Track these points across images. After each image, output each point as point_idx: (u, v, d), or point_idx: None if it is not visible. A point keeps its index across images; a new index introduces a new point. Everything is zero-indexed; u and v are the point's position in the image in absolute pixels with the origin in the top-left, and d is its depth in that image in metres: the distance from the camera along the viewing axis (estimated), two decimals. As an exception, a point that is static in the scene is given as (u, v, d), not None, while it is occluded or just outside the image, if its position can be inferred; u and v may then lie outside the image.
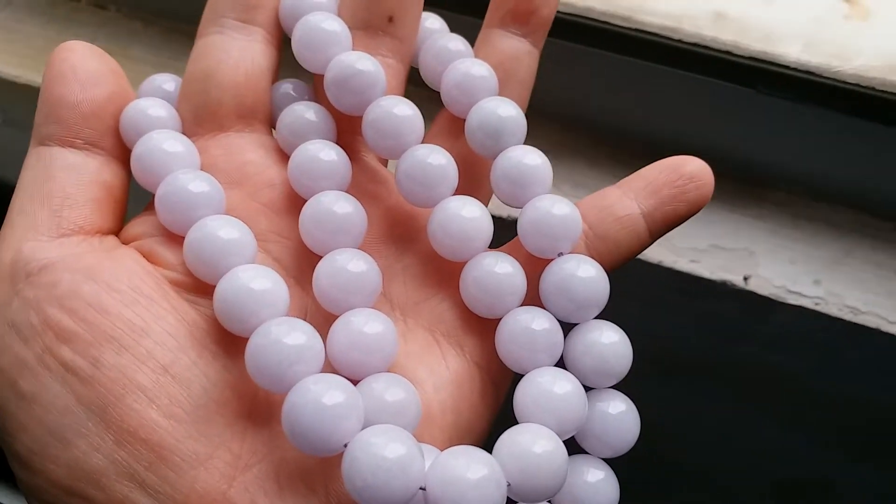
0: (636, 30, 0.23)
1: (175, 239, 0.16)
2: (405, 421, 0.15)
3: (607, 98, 0.26)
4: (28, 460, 0.15)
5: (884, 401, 0.27)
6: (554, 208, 0.17)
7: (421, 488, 0.14)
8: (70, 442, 0.14)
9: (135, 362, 0.15)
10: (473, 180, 0.19)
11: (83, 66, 0.17)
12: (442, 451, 0.14)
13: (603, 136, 0.26)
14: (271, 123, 0.19)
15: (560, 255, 0.17)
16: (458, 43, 0.19)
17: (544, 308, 0.17)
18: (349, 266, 0.16)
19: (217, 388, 0.15)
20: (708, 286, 0.25)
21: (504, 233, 0.19)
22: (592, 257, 0.17)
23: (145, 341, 0.15)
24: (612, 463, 0.17)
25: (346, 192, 0.17)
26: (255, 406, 0.16)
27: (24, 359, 0.15)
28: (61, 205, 0.16)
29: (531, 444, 0.14)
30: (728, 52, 0.23)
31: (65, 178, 0.16)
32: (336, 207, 0.17)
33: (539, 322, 0.17)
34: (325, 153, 0.17)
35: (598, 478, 0.17)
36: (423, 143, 0.18)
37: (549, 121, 0.26)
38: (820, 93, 0.22)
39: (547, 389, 0.16)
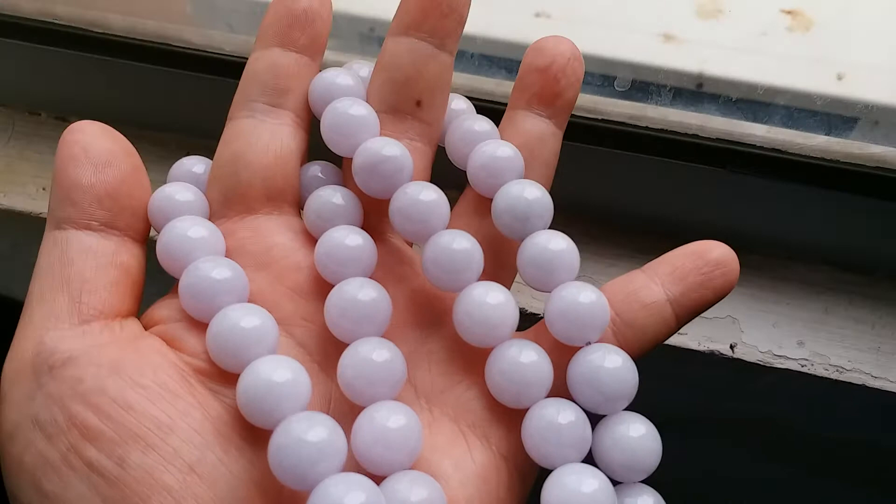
0: (601, 120, 0.23)
1: (199, 325, 0.16)
2: None
3: (580, 179, 0.26)
4: None
5: (864, 443, 0.28)
6: (581, 296, 0.17)
7: None
8: None
9: (161, 462, 0.14)
10: (500, 260, 0.19)
11: (95, 147, 0.17)
12: None
13: (580, 213, 0.27)
14: (300, 205, 0.19)
15: (588, 343, 0.17)
16: (483, 123, 0.19)
17: (571, 398, 0.17)
18: (373, 356, 0.16)
19: (243, 485, 0.15)
20: (697, 357, 0.25)
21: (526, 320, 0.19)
22: (619, 344, 0.17)
23: (172, 439, 0.15)
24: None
25: (372, 275, 0.18)
26: (281, 502, 0.16)
27: (48, 457, 0.14)
28: (80, 289, 0.16)
29: None
30: (695, 136, 0.23)
31: (82, 263, 0.16)
32: (361, 295, 0.17)
33: (566, 415, 0.16)
34: (350, 239, 0.17)
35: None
36: (450, 220, 0.18)
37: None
38: (786, 168, 0.23)
39: (574, 489, 0.16)
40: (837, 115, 0.27)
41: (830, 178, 0.23)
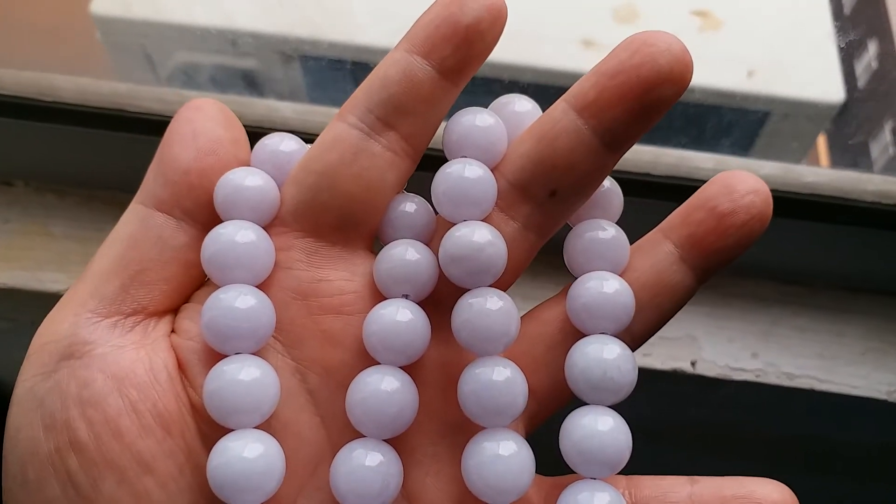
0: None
1: (210, 357, 0.16)
2: None
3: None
4: None
5: (815, 438, 0.30)
6: (599, 424, 0.15)
7: None
8: None
9: (130, 499, 0.15)
10: None
11: (204, 132, 0.16)
12: None
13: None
14: (376, 237, 0.17)
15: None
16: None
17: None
18: (366, 462, 0.15)
19: None
20: (660, 375, 0.27)
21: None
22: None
23: (147, 480, 0.15)
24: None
25: (421, 356, 0.16)
26: None
27: (38, 449, 0.15)
28: (132, 280, 0.16)
29: None
30: (647, 174, 0.24)
31: (147, 251, 0.16)
32: (384, 385, 0.15)
33: None
34: (402, 314, 0.16)
35: None
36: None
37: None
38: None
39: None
40: (749, 111, 0.29)
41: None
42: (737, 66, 0.30)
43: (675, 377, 0.27)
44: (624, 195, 0.17)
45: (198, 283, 0.17)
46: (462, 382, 0.16)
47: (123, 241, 0.16)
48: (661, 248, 0.16)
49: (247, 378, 0.15)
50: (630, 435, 0.16)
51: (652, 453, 0.32)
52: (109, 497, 0.15)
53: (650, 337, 0.17)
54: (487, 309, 0.15)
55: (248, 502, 0.15)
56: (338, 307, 0.16)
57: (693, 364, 0.27)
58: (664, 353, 0.27)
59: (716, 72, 0.29)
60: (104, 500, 0.15)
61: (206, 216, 0.16)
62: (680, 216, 0.16)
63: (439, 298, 0.16)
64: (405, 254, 0.16)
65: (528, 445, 0.16)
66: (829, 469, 0.32)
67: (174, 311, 0.17)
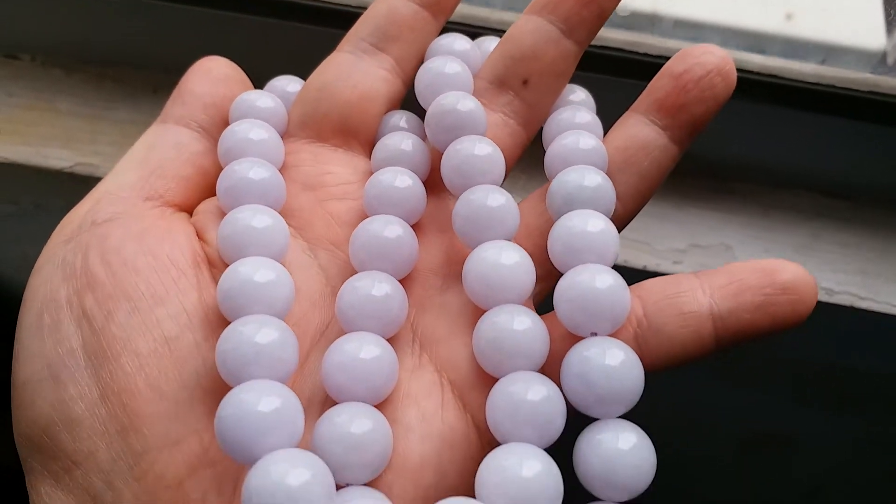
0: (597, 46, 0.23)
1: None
2: (370, 456, 0.14)
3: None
4: (21, 390, 0.15)
5: (855, 366, 0.28)
6: (598, 280, 0.15)
7: None
8: (62, 383, 0.15)
9: (142, 327, 0.15)
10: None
11: (218, 70, 0.19)
12: None
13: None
14: (368, 151, 0.19)
15: (593, 335, 0.15)
16: (585, 115, 0.18)
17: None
18: (373, 291, 0.15)
19: (209, 377, 0.15)
20: (692, 285, 0.25)
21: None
22: (638, 350, 0.15)
23: (159, 310, 0.15)
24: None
25: (417, 221, 0.17)
26: None
27: (57, 295, 0.15)
28: (151, 173, 0.17)
29: None
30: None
31: (165, 152, 0.17)
32: (386, 232, 0.16)
33: (536, 391, 0.14)
34: (400, 181, 0.17)
35: None
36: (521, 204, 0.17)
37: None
38: (779, 93, 0.23)
39: (514, 472, 0.13)
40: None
41: (823, 102, 0.23)
42: (775, 8, 0.28)
43: (706, 287, 0.25)
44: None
45: (210, 190, 0.18)
46: (467, 272, 0.16)
47: (143, 147, 0.18)
48: (630, 119, 0.17)
49: (259, 225, 0.16)
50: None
51: (669, 378, 0.31)
52: (121, 326, 0.15)
53: (641, 205, 0.17)
54: (473, 154, 0.16)
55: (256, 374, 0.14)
56: (341, 194, 0.18)
57: (726, 274, 0.25)
58: (696, 260, 0.25)
59: (753, 14, 0.27)
60: (115, 331, 0.15)
61: (219, 133, 0.18)
62: (645, 91, 0.17)
63: (436, 181, 0.18)
64: (401, 143, 0.18)
65: (541, 320, 0.15)
66: (862, 407, 0.31)
67: (189, 211, 0.18)
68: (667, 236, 0.26)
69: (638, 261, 0.25)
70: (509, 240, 0.16)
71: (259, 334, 0.14)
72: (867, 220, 0.26)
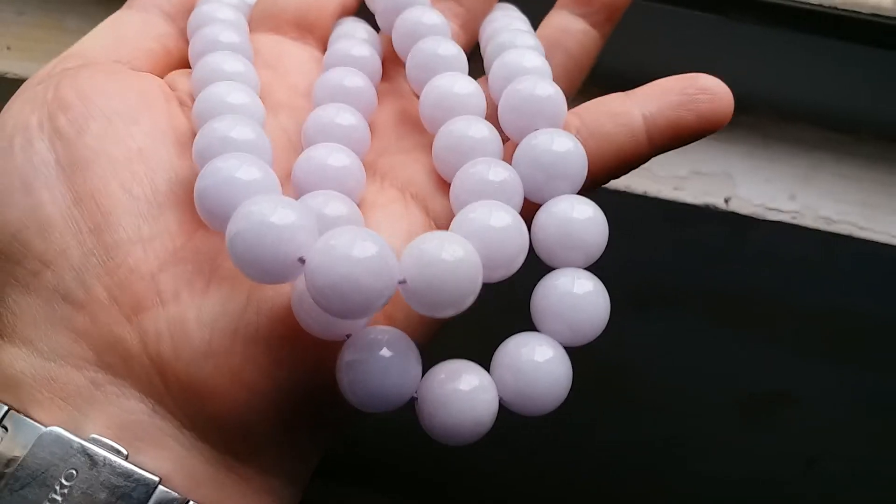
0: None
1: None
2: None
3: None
4: None
5: (855, 307, 0.28)
6: (537, 89, 0.16)
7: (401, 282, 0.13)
8: (34, 190, 0.15)
9: (115, 138, 0.15)
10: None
11: None
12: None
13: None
14: (324, 49, 0.20)
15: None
16: (521, 25, 0.19)
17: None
18: (337, 119, 0.16)
19: (182, 188, 0.15)
20: (692, 211, 0.25)
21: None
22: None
23: (133, 127, 0.16)
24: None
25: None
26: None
27: (28, 122, 0.16)
28: (119, 45, 0.18)
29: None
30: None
31: (131, 29, 0.18)
32: (346, 82, 0.17)
33: (497, 172, 0.15)
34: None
35: (546, 356, 0.14)
36: None
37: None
38: (784, 15, 0.23)
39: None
40: None
41: (828, 24, 0.23)
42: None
43: (706, 213, 0.25)
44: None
45: (172, 67, 0.18)
46: (423, 101, 0.17)
47: (109, 23, 0.18)
48: (556, 14, 0.19)
49: (236, 102, 0.16)
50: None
51: (665, 316, 0.31)
52: (95, 136, 0.15)
53: (573, 82, 0.19)
54: (437, 53, 0.17)
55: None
56: (298, 69, 0.19)
57: (727, 201, 0.25)
58: (697, 187, 0.25)
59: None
60: (89, 141, 0.15)
61: (183, 20, 0.19)
62: None
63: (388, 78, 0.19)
64: (355, 31, 0.19)
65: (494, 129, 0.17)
66: (859, 355, 0.31)
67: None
68: (668, 163, 0.26)
69: (639, 186, 0.25)
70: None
71: (234, 130, 0.15)
72: (869, 153, 0.26)
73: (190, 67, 0.18)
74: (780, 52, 0.25)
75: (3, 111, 0.16)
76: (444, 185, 0.17)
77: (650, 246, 0.27)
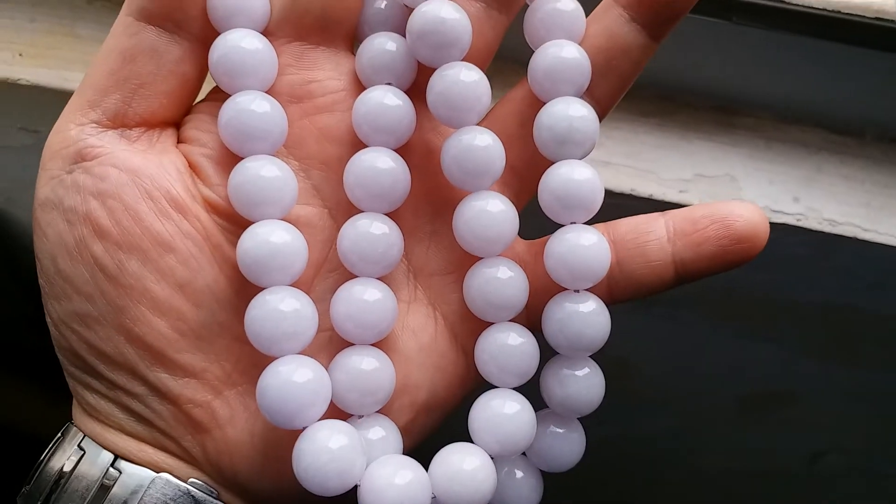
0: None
1: (223, 160, 0.17)
2: (378, 396, 0.17)
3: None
4: (58, 325, 0.17)
5: (859, 307, 0.29)
6: (582, 239, 0.17)
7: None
8: (90, 326, 0.16)
9: (155, 275, 0.16)
10: (522, 173, 0.18)
11: None
12: (401, 425, 0.17)
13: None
14: (355, 39, 0.18)
15: (577, 292, 0.17)
16: (569, 3, 0.17)
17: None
18: (371, 229, 0.17)
19: (224, 311, 0.16)
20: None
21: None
22: (609, 288, 0.18)
23: (168, 258, 0.16)
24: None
25: (408, 140, 0.17)
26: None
27: (65, 240, 0.16)
28: (133, 94, 0.16)
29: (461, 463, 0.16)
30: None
31: (145, 64, 0.16)
32: (379, 163, 0.17)
33: (515, 337, 0.17)
34: (389, 99, 0.17)
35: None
36: (492, 105, 0.18)
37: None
38: (787, 19, 0.24)
39: (496, 412, 0.17)
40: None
41: (831, 28, 0.23)
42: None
43: (711, 216, 0.26)
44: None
45: (194, 96, 0.18)
46: (444, 151, 0.17)
47: (119, 55, 0.16)
48: (611, 13, 0.17)
49: (269, 175, 0.16)
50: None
51: (670, 316, 0.31)
52: (134, 275, 0.16)
53: (615, 101, 0.18)
54: (461, 80, 0.16)
55: (275, 281, 0.16)
56: (330, 105, 0.17)
57: (731, 203, 0.26)
58: (701, 190, 0.26)
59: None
60: (130, 280, 0.16)
61: (197, 28, 0.17)
62: None
63: (421, 89, 0.17)
64: (385, 44, 0.17)
65: (514, 206, 0.17)
66: (860, 351, 0.31)
67: (176, 124, 0.18)
68: (673, 166, 0.26)
69: (644, 189, 0.26)
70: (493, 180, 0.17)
71: (274, 235, 0.16)
72: (873, 155, 0.26)
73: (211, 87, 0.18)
74: (785, 56, 0.25)
75: (35, 220, 0.17)
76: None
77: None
